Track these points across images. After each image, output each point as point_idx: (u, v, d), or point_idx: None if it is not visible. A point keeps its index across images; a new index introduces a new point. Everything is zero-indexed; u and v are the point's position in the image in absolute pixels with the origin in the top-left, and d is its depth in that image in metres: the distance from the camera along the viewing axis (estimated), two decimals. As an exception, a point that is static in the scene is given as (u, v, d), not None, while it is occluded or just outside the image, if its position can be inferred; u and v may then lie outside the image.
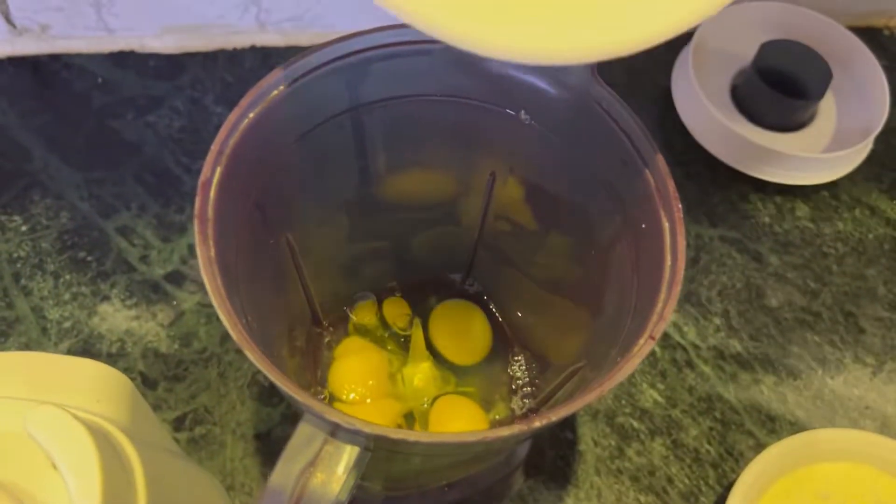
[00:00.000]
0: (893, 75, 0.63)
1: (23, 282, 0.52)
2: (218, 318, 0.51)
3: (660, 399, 0.51)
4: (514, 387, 0.43)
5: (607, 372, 0.26)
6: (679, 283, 0.27)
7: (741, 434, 0.50)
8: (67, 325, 0.50)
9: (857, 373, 0.53)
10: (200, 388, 0.49)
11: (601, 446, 0.49)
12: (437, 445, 0.24)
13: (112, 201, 0.55)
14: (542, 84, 0.32)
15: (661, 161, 0.29)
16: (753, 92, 0.60)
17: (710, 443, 0.50)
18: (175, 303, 0.52)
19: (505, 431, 0.24)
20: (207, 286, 0.26)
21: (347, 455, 0.25)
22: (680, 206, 0.28)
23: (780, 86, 0.58)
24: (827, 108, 0.62)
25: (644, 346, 0.25)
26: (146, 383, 0.49)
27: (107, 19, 0.59)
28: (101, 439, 0.29)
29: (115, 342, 0.50)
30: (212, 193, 0.27)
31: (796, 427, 0.51)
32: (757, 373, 0.52)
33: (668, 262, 0.27)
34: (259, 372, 0.50)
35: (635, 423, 0.50)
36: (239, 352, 0.50)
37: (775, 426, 0.51)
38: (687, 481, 0.49)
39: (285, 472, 0.25)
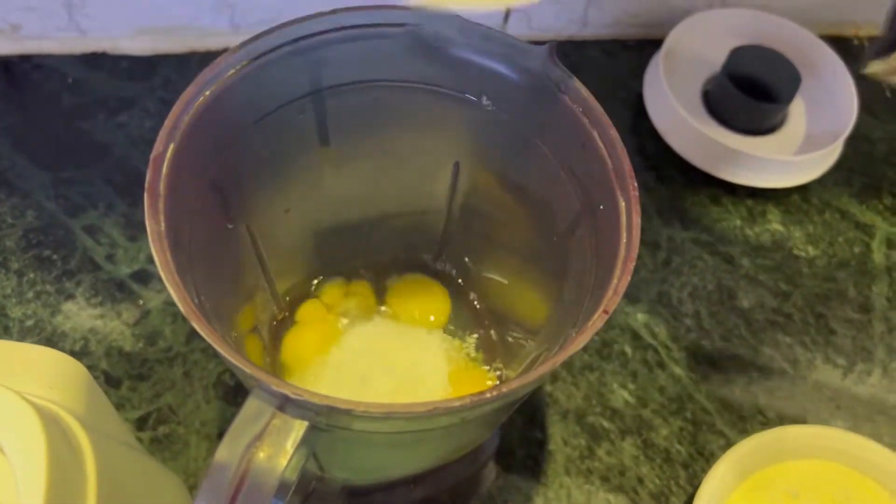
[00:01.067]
0: (861, 82, 0.64)
1: (-14, 279, 0.51)
2: (183, 318, 0.51)
3: (630, 399, 0.51)
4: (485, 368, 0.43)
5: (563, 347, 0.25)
6: (633, 259, 0.27)
7: (712, 434, 0.50)
8: (30, 323, 0.50)
9: (828, 374, 0.53)
10: (165, 388, 0.48)
11: (571, 446, 0.49)
12: (386, 416, 0.23)
13: (79, 201, 0.55)
14: (502, 69, 0.32)
15: (617, 140, 0.29)
16: (724, 96, 0.60)
17: (680, 443, 0.50)
18: (141, 302, 0.51)
19: (456, 402, 0.23)
20: (156, 259, 0.25)
21: (296, 430, 0.24)
22: (636, 184, 0.28)
23: (751, 90, 0.59)
24: (797, 112, 0.62)
25: (597, 320, 0.25)
26: (109, 382, 0.48)
27: (79, 20, 0.59)
28: (50, 422, 0.29)
29: (78, 340, 0.49)
30: (164, 169, 0.27)
31: (767, 428, 0.50)
32: (728, 373, 0.52)
33: (624, 239, 0.27)
34: (225, 371, 0.49)
35: (606, 423, 0.50)
36: (205, 350, 0.50)
37: (746, 426, 0.50)
38: (657, 481, 0.48)
39: (231, 447, 0.24)
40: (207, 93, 0.29)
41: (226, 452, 0.24)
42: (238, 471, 0.24)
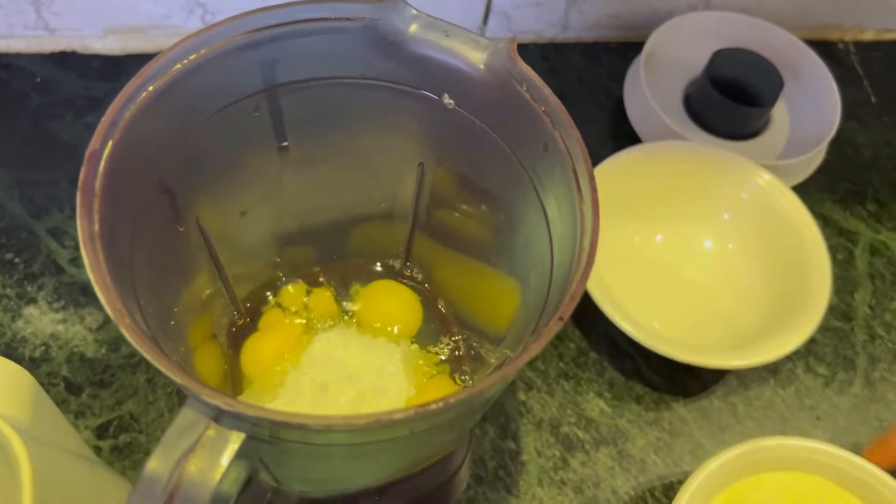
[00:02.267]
0: (845, 87, 0.63)
1: (-56, 283, 0.50)
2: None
3: (606, 408, 0.50)
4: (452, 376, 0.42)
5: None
6: (591, 264, 0.25)
7: (690, 444, 0.49)
8: (-26, 346, 0.48)
9: (809, 383, 0.52)
10: (127, 395, 0.47)
11: (545, 456, 0.48)
12: (325, 429, 0.22)
13: (44, 202, 0.53)
14: (462, 66, 0.31)
15: (579, 140, 0.28)
16: (706, 100, 0.59)
17: (657, 453, 0.48)
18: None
19: (399, 414, 0.22)
20: (86, 261, 0.24)
21: (232, 442, 0.23)
22: (596, 186, 0.27)
23: (733, 94, 0.58)
24: (780, 117, 0.61)
25: (552, 326, 0.24)
26: (70, 389, 0.47)
27: (47, 18, 0.58)
28: (-18, 432, 0.27)
29: (38, 346, 0.48)
30: (101, 167, 0.26)
31: (746, 438, 0.49)
32: (706, 382, 0.51)
33: (583, 243, 0.26)
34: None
35: (580, 433, 0.49)
36: (168, 357, 0.48)
37: (725, 437, 0.49)
38: (632, 493, 0.47)
39: (162, 458, 0.23)
40: (151, 88, 0.28)
41: (157, 464, 0.23)
42: (169, 483, 0.23)
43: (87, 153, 0.25)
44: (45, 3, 0.57)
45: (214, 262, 0.36)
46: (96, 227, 0.25)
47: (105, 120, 0.26)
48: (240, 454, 0.23)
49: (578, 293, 0.24)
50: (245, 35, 0.30)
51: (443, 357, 0.42)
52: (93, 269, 0.24)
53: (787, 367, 0.52)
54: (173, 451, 0.23)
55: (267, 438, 0.25)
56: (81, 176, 0.25)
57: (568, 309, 0.24)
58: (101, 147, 0.26)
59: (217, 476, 0.23)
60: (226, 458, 0.23)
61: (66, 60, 0.60)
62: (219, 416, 0.23)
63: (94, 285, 0.23)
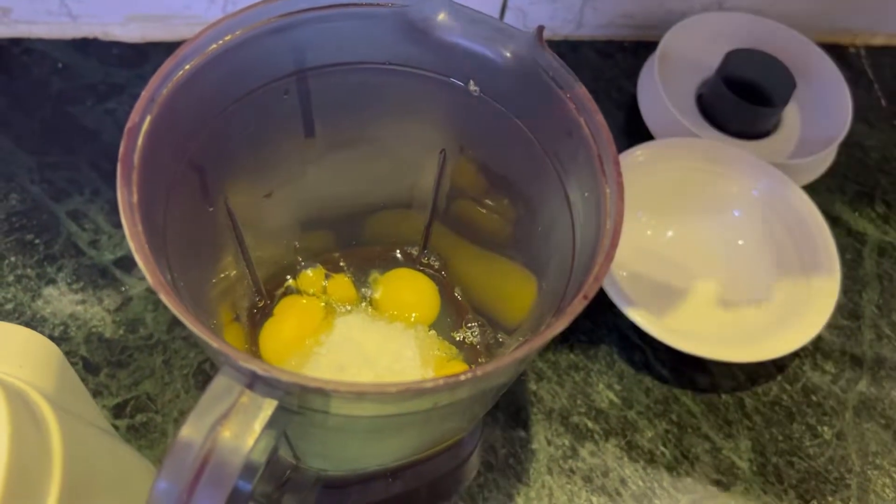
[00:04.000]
0: (857, 90, 0.64)
1: (-34, 262, 0.50)
2: (166, 306, 0.50)
3: (616, 400, 0.50)
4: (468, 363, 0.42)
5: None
6: (616, 245, 0.26)
7: (697, 437, 0.49)
8: (9, 307, 0.49)
9: (816, 380, 0.53)
10: (144, 375, 0.48)
11: (554, 445, 0.48)
12: (357, 396, 0.23)
13: (65, 185, 0.54)
14: (489, 53, 0.32)
15: (603, 127, 0.29)
16: (718, 99, 0.60)
17: (665, 445, 0.49)
18: (123, 288, 0.50)
19: (429, 384, 0.23)
20: (126, 230, 0.24)
21: (265, 409, 0.24)
22: (621, 170, 0.28)
23: (745, 93, 0.58)
24: (791, 117, 0.62)
25: (576, 305, 0.24)
26: (88, 368, 0.47)
27: (70, 5, 0.59)
28: (15, 396, 0.28)
29: (58, 325, 0.49)
30: (139, 141, 0.27)
31: (753, 432, 0.50)
32: (715, 377, 0.52)
33: (607, 225, 0.27)
34: (206, 360, 0.48)
35: (590, 423, 0.49)
36: (186, 339, 0.49)
37: (732, 430, 0.50)
38: (641, 483, 0.47)
39: (196, 424, 0.23)
40: (187, 66, 0.29)
41: (190, 430, 0.23)
42: (202, 449, 0.23)
43: (126, 127, 0.26)
44: (69, -11, 0.57)
45: (239, 244, 0.36)
46: (135, 197, 0.25)
47: (144, 95, 0.27)
48: (270, 423, 0.24)
49: (603, 273, 0.25)
50: (279, 18, 0.30)
51: (458, 345, 0.43)
52: (132, 237, 0.24)
53: (795, 363, 0.53)
54: (207, 417, 0.24)
55: (295, 408, 0.26)
56: (121, 148, 0.26)
57: (592, 289, 0.25)
58: (140, 121, 0.27)
59: (250, 442, 0.23)
60: (259, 425, 0.24)
61: (87, 47, 0.61)
62: (253, 383, 0.24)
63: (134, 252, 0.24)
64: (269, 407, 0.24)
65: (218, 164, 0.33)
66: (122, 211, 0.25)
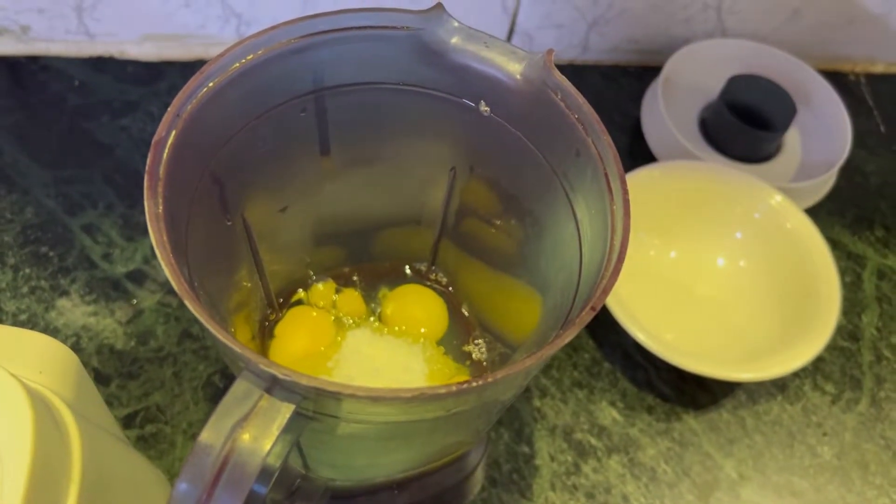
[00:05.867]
0: (856, 117, 0.65)
1: (-19, 273, 0.51)
2: (176, 318, 0.51)
3: (618, 417, 0.51)
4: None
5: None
6: (623, 260, 0.27)
7: (699, 455, 0.50)
8: (23, 317, 0.50)
9: (816, 400, 0.53)
10: (154, 387, 0.48)
11: (558, 461, 0.49)
12: (373, 399, 0.23)
13: (79, 200, 0.55)
14: (500, 75, 0.33)
15: (611, 146, 0.30)
16: (721, 123, 0.61)
17: (667, 462, 0.50)
18: (135, 301, 0.51)
19: (442, 389, 0.23)
20: (153, 239, 0.25)
21: (283, 413, 0.24)
22: (627, 188, 0.29)
23: (747, 118, 0.60)
24: (792, 142, 0.63)
25: (584, 316, 0.25)
26: (99, 379, 0.48)
27: (88, 24, 0.60)
28: (38, 401, 0.29)
29: (70, 336, 0.49)
30: (165, 154, 0.28)
31: (754, 451, 0.51)
32: (716, 396, 0.52)
33: (614, 241, 0.28)
34: (215, 373, 0.49)
35: (593, 440, 0.50)
36: (195, 352, 0.50)
37: (733, 449, 0.51)
38: (643, 500, 0.48)
39: (216, 428, 0.24)
40: (211, 84, 0.30)
41: (211, 433, 0.24)
42: (222, 451, 0.24)
43: (153, 140, 0.27)
44: (88, 9, 0.59)
45: (254, 257, 0.37)
46: (160, 208, 0.26)
47: (170, 111, 0.28)
48: (286, 428, 0.25)
49: (610, 286, 0.26)
50: (299, 39, 0.31)
51: (466, 358, 0.44)
52: (158, 245, 0.25)
53: (795, 383, 0.54)
54: (227, 420, 0.24)
55: (310, 414, 0.27)
56: (148, 161, 0.27)
57: (600, 300, 0.26)
58: (166, 135, 0.28)
59: (268, 445, 0.24)
60: (277, 428, 0.24)
61: (103, 65, 0.62)
62: (272, 387, 0.25)
63: (161, 259, 0.25)
64: (286, 411, 0.25)
65: (237, 179, 0.34)
66: (149, 221, 0.26)
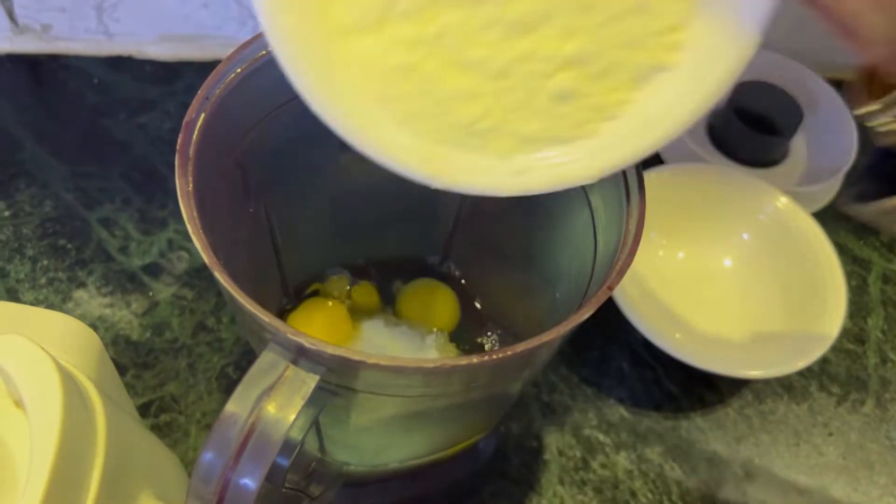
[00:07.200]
0: (863, 125, 0.66)
1: (0, 264, 0.52)
2: (191, 311, 0.52)
3: (626, 414, 0.51)
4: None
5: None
6: (638, 241, 0.28)
7: (706, 453, 0.51)
8: (41, 307, 0.50)
9: (822, 401, 0.54)
10: (169, 377, 0.49)
11: (566, 456, 0.49)
12: (396, 370, 0.24)
13: (96, 194, 0.56)
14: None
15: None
16: (729, 129, 0.62)
17: (674, 460, 0.50)
18: (150, 293, 0.52)
19: (463, 360, 0.24)
20: (184, 215, 0.26)
21: (307, 384, 0.25)
22: (642, 175, 0.29)
23: (754, 123, 0.61)
24: (798, 147, 0.64)
25: (601, 295, 0.26)
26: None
27: (108, 23, 0.61)
28: (67, 377, 0.29)
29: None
30: (194, 135, 0.28)
31: (761, 450, 0.51)
32: (723, 395, 0.53)
33: (630, 224, 0.28)
34: (229, 364, 0.50)
35: (601, 436, 0.50)
36: (210, 343, 0.50)
37: (740, 447, 0.51)
38: (650, 496, 0.49)
39: (242, 398, 0.25)
40: (239, 70, 0.31)
41: (236, 403, 0.25)
42: (247, 421, 0.25)
43: (184, 122, 0.28)
44: (108, 9, 0.60)
45: (274, 246, 0.38)
46: (190, 187, 0.27)
47: (200, 94, 0.29)
48: (310, 401, 0.25)
49: (626, 266, 0.27)
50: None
51: (478, 351, 0.44)
52: (189, 220, 0.26)
53: (801, 384, 0.54)
54: (253, 391, 0.25)
55: (332, 388, 0.27)
56: (179, 141, 0.28)
57: (616, 280, 0.27)
58: (196, 117, 0.29)
59: (292, 416, 0.25)
60: (301, 398, 0.25)
61: (121, 64, 0.63)
62: (297, 358, 0.25)
63: (191, 233, 0.26)
64: (311, 381, 0.25)
65: (260, 166, 0.34)
66: (180, 198, 0.26)
